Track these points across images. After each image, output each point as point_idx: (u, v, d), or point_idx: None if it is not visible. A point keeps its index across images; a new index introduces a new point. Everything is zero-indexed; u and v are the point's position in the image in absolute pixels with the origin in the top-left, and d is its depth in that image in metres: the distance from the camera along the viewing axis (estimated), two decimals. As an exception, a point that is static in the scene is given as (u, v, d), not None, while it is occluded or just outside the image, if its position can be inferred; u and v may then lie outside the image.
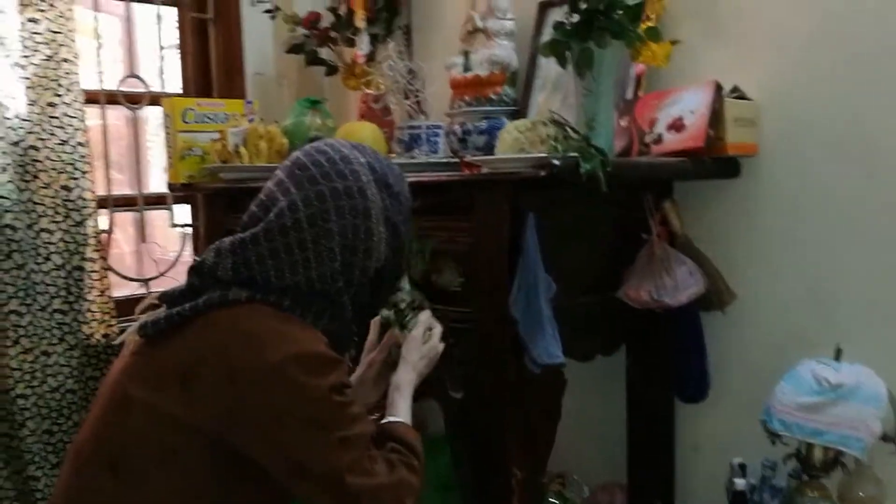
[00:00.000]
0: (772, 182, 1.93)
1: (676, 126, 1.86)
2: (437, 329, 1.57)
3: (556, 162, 1.57)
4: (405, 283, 1.57)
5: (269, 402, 1.17)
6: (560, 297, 1.70)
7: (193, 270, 1.30)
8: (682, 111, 1.87)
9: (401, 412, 1.43)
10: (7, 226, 2.17)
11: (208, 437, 1.18)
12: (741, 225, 1.99)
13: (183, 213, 2.74)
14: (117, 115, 2.65)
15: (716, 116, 1.84)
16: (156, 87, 2.64)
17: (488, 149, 2.02)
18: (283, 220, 1.26)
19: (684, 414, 2.14)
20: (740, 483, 1.88)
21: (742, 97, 1.90)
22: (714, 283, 1.95)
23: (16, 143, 2.23)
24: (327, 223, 1.26)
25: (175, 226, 2.70)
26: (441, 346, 1.55)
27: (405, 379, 1.48)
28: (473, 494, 1.82)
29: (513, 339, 1.65)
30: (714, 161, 1.88)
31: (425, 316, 1.56)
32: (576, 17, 1.79)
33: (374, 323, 1.58)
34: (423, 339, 1.52)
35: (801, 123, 1.89)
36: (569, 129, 1.68)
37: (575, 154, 1.59)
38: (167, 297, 1.29)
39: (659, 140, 1.89)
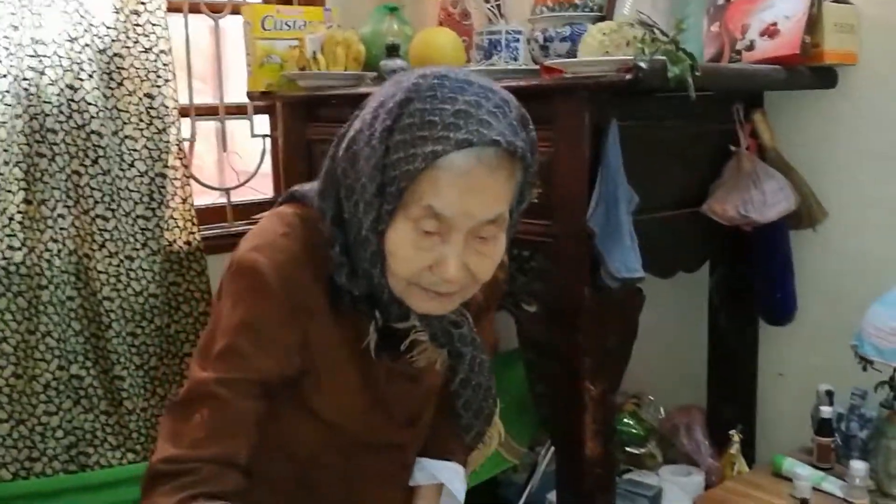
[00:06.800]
0: (870, 94, 1.82)
1: (770, 32, 1.76)
2: None
3: (642, 65, 1.50)
4: None
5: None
6: (641, 211, 1.65)
7: None
8: (776, 16, 1.76)
9: None
10: (94, 132, 2.20)
11: None
12: (835, 140, 1.89)
13: (263, 123, 2.75)
14: (201, 26, 2.65)
15: (812, 22, 1.73)
16: (238, -3, 2.62)
17: (571, 57, 1.94)
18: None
19: (768, 337, 2.08)
20: (826, 411, 1.82)
21: (843, 0, 1.79)
22: (804, 200, 1.86)
23: (102, 51, 2.24)
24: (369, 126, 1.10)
25: (255, 136, 2.71)
26: None
27: None
28: (547, 408, 1.80)
29: (591, 253, 1.61)
30: (810, 70, 1.78)
31: None
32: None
33: None
34: None
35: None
36: (657, 32, 1.60)
37: (662, 57, 1.52)
38: None
39: (751, 47, 1.80)
